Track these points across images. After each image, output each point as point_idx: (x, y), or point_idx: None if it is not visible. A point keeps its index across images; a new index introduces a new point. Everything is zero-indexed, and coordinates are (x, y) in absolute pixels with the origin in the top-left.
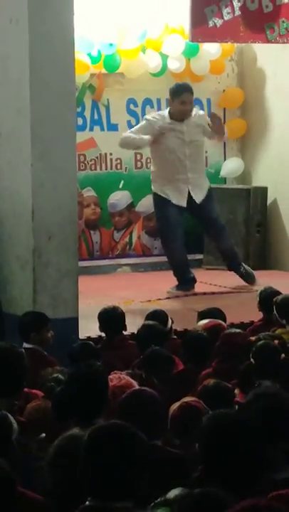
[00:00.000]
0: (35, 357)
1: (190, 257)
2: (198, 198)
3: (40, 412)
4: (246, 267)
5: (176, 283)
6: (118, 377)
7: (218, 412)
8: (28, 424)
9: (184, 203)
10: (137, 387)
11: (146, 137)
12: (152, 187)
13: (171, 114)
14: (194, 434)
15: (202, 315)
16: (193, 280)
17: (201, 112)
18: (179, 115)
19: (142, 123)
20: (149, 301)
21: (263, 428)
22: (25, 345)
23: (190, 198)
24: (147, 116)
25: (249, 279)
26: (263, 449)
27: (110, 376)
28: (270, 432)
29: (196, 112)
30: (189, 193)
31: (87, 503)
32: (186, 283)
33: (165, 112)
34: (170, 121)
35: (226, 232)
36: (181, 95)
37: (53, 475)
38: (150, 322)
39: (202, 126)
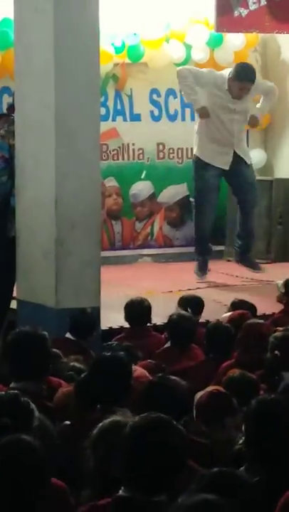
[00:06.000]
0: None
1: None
2: (247, 159)
3: (70, 398)
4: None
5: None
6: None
7: (267, 397)
8: (56, 410)
9: (226, 166)
10: (149, 377)
11: (201, 102)
12: (194, 149)
13: (230, 87)
14: (225, 421)
15: (232, 306)
16: (209, 251)
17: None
18: (234, 94)
19: (210, 74)
20: (171, 291)
21: None
22: (69, 335)
23: (234, 160)
24: (214, 72)
25: (255, 267)
26: None
27: None
28: None
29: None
30: (234, 155)
31: (121, 492)
32: (201, 254)
33: (226, 75)
34: (228, 90)
35: (252, 212)
36: (242, 82)
37: (94, 458)
38: (184, 312)
39: (253, 92)
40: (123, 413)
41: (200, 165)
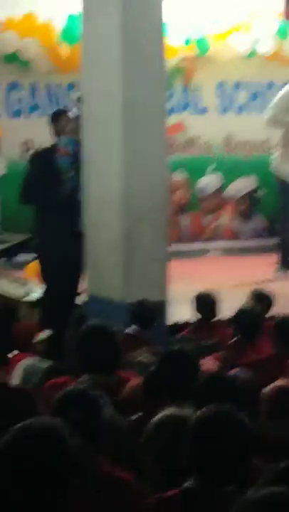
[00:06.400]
0: (138, 341)
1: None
2: None
3: (138, 391)
4: None
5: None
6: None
7: None
8: (125, 403)
9: None
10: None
11: None
12: (277, 171)
13: None
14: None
15: None
16: None
17: None
18: None
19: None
20: (239, 285)
21: None
22: (129, 330)
23: None
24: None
25: None
26: None
27: None
28: None
29: None
30: None
31: (189, 483)
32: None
33: None
34: None
35: None
36: None
37: (151, 452)
38: (248, 306)
39: None
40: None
41: (280, 182)
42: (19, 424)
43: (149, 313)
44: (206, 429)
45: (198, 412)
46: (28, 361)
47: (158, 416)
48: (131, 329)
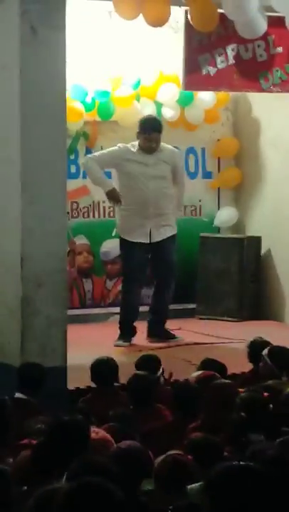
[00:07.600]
0: (27, 408)
1: (182, 306)
2: (156, 237)
3: (28, 463)
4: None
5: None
6: (93, 431)
7: (229, 464)
8: (15, 474)
9: (146, 239)
10: (111, 440)
11: (109, 185)
12: (116, 229)
13: (140, 146)
14: (180, 488)
15: (202, 365)
16: (134, 332)
17: (174, 150)
18: (145, 149)
19: (114, 149)
20: (141, 350)
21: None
22: (18, 395)
23: (154, 232)
24: (120, 145)
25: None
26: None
27: None
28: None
29: (168, 148)
30: (153, 225)
31: None
32: (126, 334)
33: (135, 144)
34: (137, 152)
35: (171, 285)
36: (145, 133)
37: None
38: (141, 372)
39: (171, 163)
40: None
41: (122, 242)
42: None
43: (36, 377)
44: (72, 506)
45: (65, 487)
46: None
47: (41, 490)
48: (22, 395)
